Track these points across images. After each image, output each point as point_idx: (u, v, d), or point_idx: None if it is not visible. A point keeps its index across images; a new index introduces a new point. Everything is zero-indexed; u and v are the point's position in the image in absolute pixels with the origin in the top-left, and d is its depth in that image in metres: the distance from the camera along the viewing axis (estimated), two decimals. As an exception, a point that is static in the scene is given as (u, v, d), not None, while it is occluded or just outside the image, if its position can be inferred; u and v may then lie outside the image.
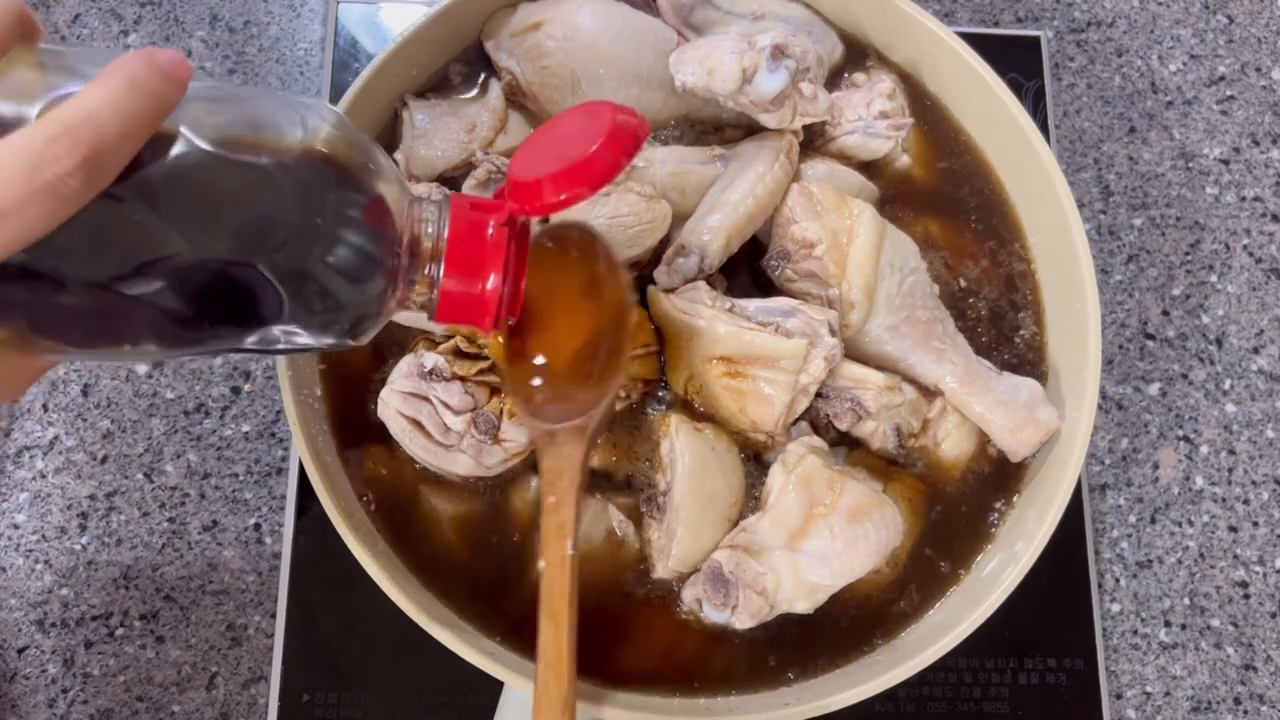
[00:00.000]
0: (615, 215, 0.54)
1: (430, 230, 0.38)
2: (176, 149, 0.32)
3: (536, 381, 0.49)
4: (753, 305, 0.54)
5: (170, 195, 0.32)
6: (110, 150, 0.29)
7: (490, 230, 0.39)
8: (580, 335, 0.49)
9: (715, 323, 0.53)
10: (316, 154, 0.35)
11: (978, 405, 0.57)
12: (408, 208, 0.38)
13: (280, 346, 0.37)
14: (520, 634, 0.54)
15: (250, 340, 0.36)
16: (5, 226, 0.28)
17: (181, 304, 0.33)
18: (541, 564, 0.47)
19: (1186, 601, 0.69)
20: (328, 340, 0.38)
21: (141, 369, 0.68)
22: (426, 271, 0.39)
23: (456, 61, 0.63)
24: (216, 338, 0.36)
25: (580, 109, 0.41)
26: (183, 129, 0.32)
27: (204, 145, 0.32)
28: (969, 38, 0.62)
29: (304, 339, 0.37)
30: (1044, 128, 0.76)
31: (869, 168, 0.62)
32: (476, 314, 0.40)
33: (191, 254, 0.32)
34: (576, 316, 0.49)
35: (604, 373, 0.49)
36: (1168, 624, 0.69)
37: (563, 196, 0.37)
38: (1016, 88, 0.71)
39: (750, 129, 0.60)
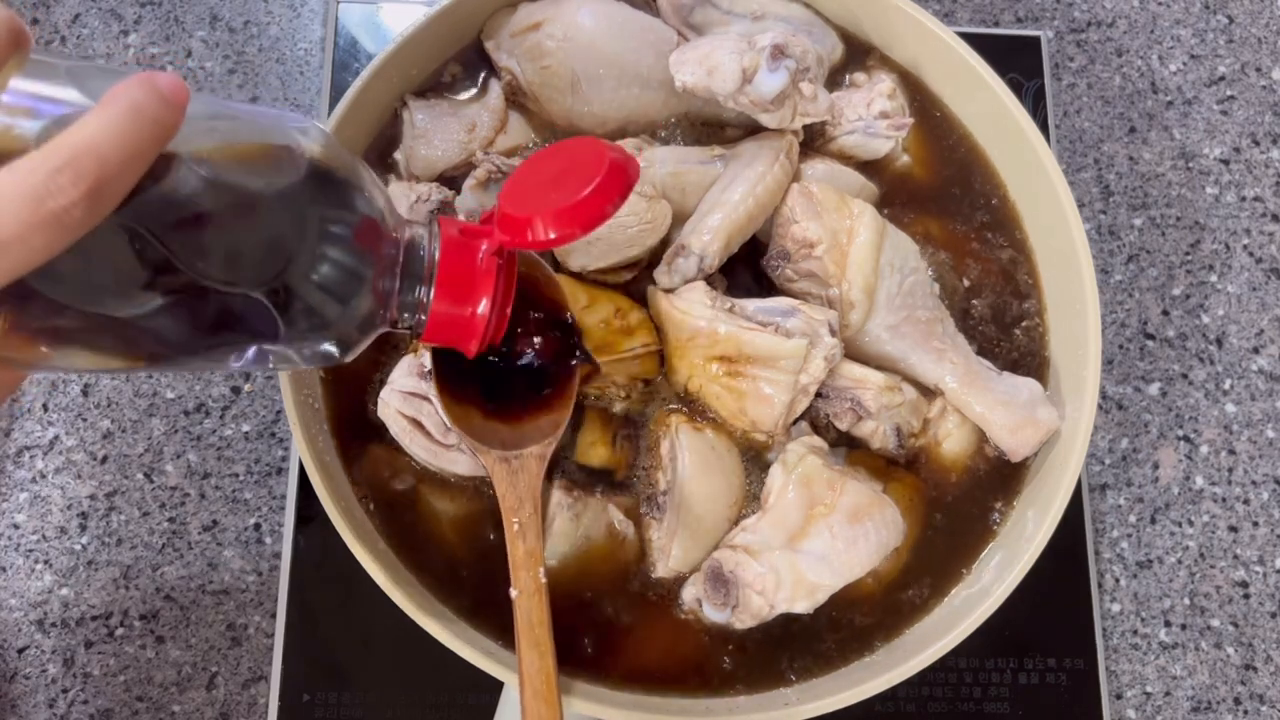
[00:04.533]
0: (615, 215, 0.54)
1: (420, 254, 0.39)
2: (170, 173, 0.32)
3: (489, 408, 0.51)
4: (753, 305, 0.54)
5: (162, 219, 0.32)
6: (113, 179, 0.29)
7: (480, 257, 0.40)
8: (530, 363, 0.51)
9: (715, 323, 0.53)
10: (307, 177, 0.35)
11: (978, 405, 0.57)
12: (396, 230, 0.39)
13: (270, 364, 0.38)
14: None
15: (239, 359, 0.36)
16: (8, 255, 0.28)
17: (172, 324, 0.34)
18: (514, 593, 0.48)
19: (1186, 601, 0.69)
20: (316, 359, 0.38)
21: (141, 369, 0.68)
22: (416, 294, 0.39)
23: (456, 61, 0.63)
24: (205, 357, 0.36)
25: (575, 144, 0.42)
26: (177, 152, 0.32)
27: (197, 169, 0.32)
28: (969, 38, 0.62)
29: (293, 358, 0.38)
30: (1044, 128, 0.76)
31: (869, 168, 0.62)
32: (464, 337, 0.41)
33: (182, 276, 0.33)
34: (526, 345, 0.51)
35: (556, 400, 0.51)
36: (1168, 624, 0.69)
37: (553, 236, 0.38)
38: (1016, 88, 0.71)
39: (750, 129, 0.60)
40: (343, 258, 0.36)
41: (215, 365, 0.37)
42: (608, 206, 0.38)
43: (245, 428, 0.68)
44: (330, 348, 0.38)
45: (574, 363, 0.52)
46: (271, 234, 0.34)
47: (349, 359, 0.40)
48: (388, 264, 0.38)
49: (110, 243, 0.31)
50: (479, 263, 0.40)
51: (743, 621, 0.52)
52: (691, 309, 0.54)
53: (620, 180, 0.38)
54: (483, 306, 0.40)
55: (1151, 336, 0.75)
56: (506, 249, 0.40)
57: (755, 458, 0.57)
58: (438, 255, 0.39)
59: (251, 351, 0.36)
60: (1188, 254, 0.76)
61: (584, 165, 0.39)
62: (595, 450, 0.56)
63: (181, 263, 0.32)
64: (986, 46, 0.62)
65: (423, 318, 0.40)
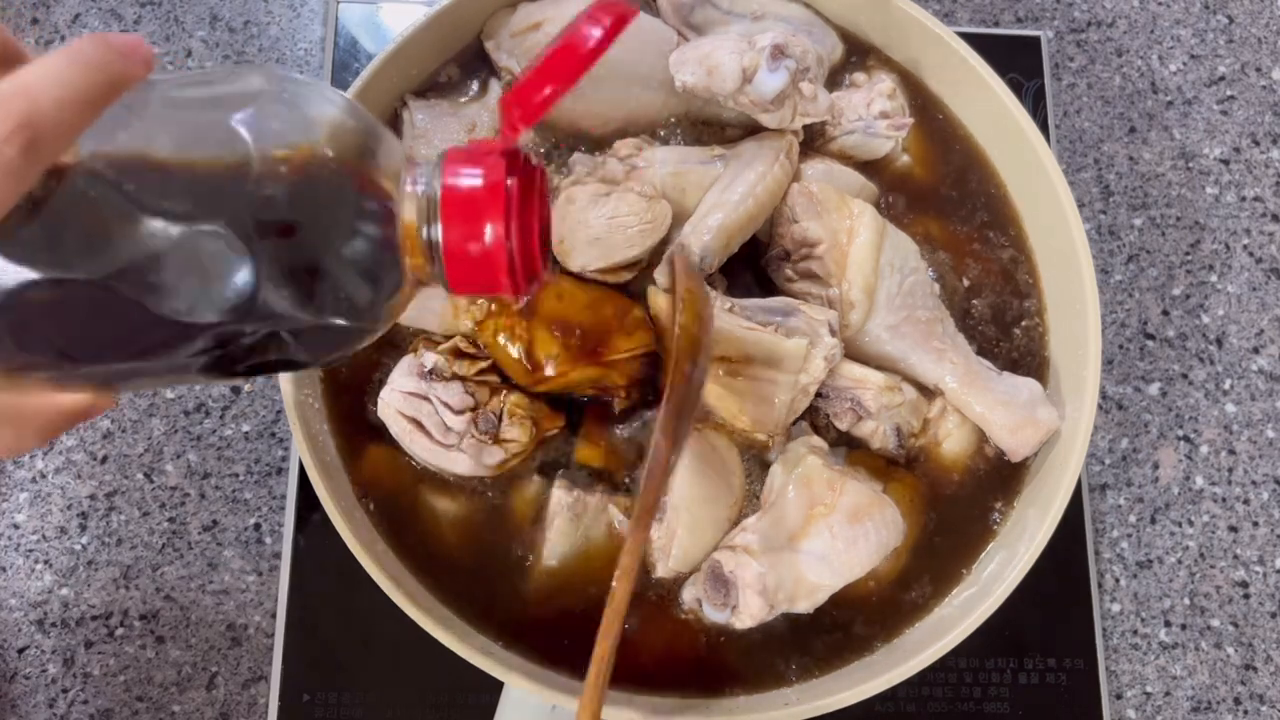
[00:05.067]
0: (615, 215, 0.54)
1: (420, 189, 0.34)
2: (172, 139, 0.31)
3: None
4: (753, 305, 0.54)
5: (170, 188, 0.31)
6: (50, 122, 0.28)
7: (486, 169, 0.34)
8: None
9: (715, 322, 0.53)
10: (323, 141, 0.33)
11: (978, 405, 0.57)
12: (408, 178, 0.35)
13: (316, 350, 0.35)
14: (520, 634, 0.54)
15: (261, 345, 0.34)
16: None
17: (195, 315, 0.32)
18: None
19: (1186, 601, 0.69)
20: (355, 336, 0.35)
21: (141, 369, 0.68)
22: (425, 236, 0.34)
23: (455, 63, 0.63)
24: (236, 345, 0.33)
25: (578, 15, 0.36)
26: (176, 115, 0.31)
27: (203, 135, 0.31)
28: (969, 38, 0.62)
29: (332, 331, 0.34)
30: (1044, 128, 0.76)
31: (869, 168, 0.62)
32: (489, 275, 0.35)
33: (200, 251, 0.31)
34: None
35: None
36: (1168, 624, 0.69)
37: (549, 91, 0.33)
38: (1016, 88, 0.71)
39: (750, 129, 0.60)
40: (363, 225, 0.33)
41: (245, 363, 0.35)
42: (602, 40, 0.33)
43: (245, 428, 0.68)
44: (366, 315, 0.35)
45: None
46: (286, 203, 0.32)
47: (383, 328, 0.36)
48: (391, 216, 0.34)
49: (107, 213, 0.30)
50: (484, 178, 0.34)
51: (743, 621, 0.52)
52: (691, 309, 0.54)
53: (609, 10, 0.33)
54: (490, 232, 0.34)
55: (1151, 336, 0.75)
56: (520, 155, 0.35)
57: (755, 458, 0.57)
58: (439, 186, 0.34)
59: (273, 336, 0.33)
60: (1188, 254, 0.76)
61: (578, 18, 0.34)
62: (595, 450, 0.56)
63: (182, 219, 0.31)
64: (986, 46, 0.62)
65: (440, 263, 0.35)
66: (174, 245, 0.31)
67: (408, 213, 0.34)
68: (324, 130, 0.34)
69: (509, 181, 0.34)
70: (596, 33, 0.33)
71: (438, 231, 0.34)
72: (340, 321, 0.34)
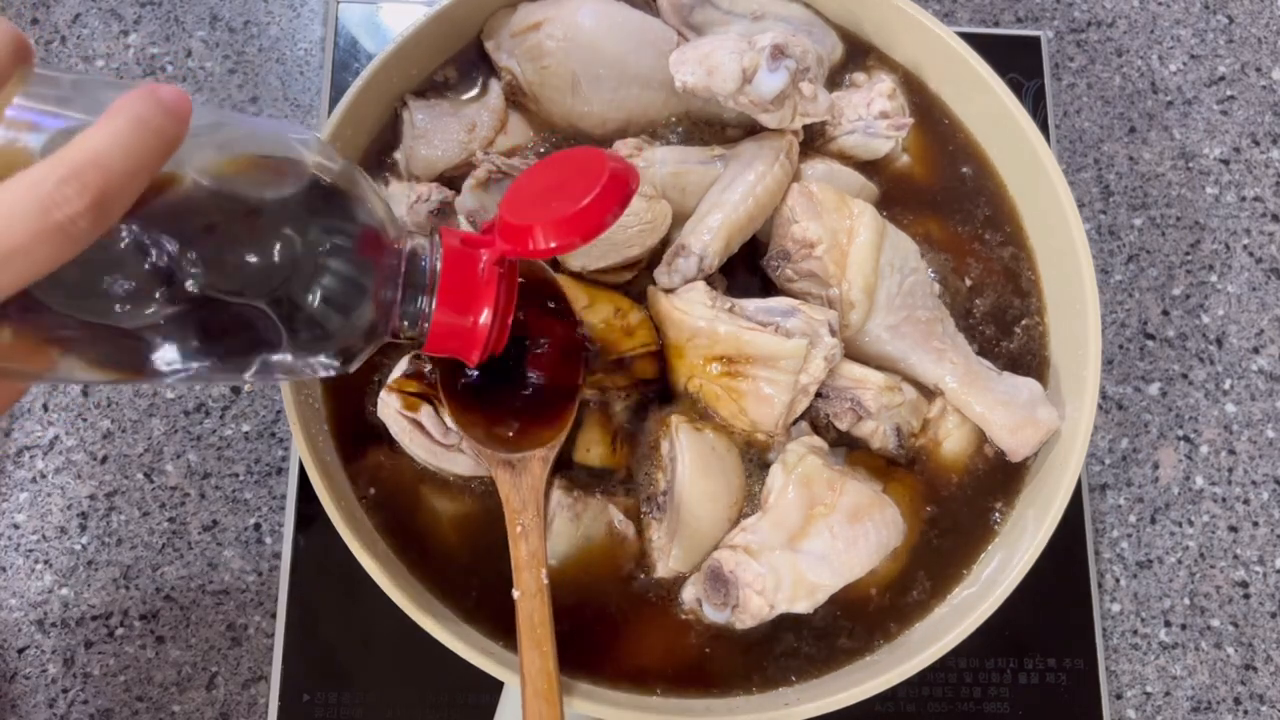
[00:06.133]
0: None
1: (422, 264, 0.39)
2: (173, 184, 0.32)
3: (493, 412, 0.51)
4: (753, 305, 0.54)
5: (166, 230, 0.32)
6: (118, 190, 0.29)
7: (482, 266, 0.40)
8: (534, 368, 0.52)
9: (715, 323, 0.53)
10: (308, 189, 0.35)
11: (978, 405, 0.57)
12: (398, 240, 0.39)
13: (274, 376, 0.38)
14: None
15: (242, 371, 0.36)
16: (12, 266, 0.28)
17: (175, 336, 0.34)
18: (517, 594, 0.48)
19: (1186, 601, 0.69)
20: (319, 368, 0.38)
21: (141, 369, 0.68)
22: (418, 304, 0.40)
23: (454, 64, 0.63)
24: (206, 368, 0.36)
25: (576, 154, 0.42)
26: (180, 163, 0.32)
27: (199, 180, 0.33)
28: (969, 38, 0.62)
29: (297, 368, 0.38)
30: (1044, 128, 0.76)
31: (869, 168, 0.62)
32: (466, 346, 0.41)
33: (186, 287, 0.33)
34: (531, 350, 0.51)
35: (560, 403, 0.52)
36: (1168, 624, 0.69)
37: (554, 245, 0.38)
38: (1016, 88, 0.71)
39: (750, 129, 0.60)
40: (344, 269, 0.36)
41: (215, 378, 0.37)
42: (607, 215, 0.38)
43: (245, 428, 0.68)
44: (333, 357, 0.38)
45: (580, 360, 0.52)
46: (273, 245, 0.34)
47: (352, 369, 0.40)
48: (389, 275, 0.38)
49: (115, 253, 0.31)
50: (480, 273, 0.40)
51: (743, 622, 0.52)
52: (691, 309, 0.54)
53: (620, 190, 0.38)
54: (484, 316, 0.40)
55: (1151, 336, 0.75)
56: (508, 258, 0.40)
57: (755, 458, 0.57)
58: (439, 266, 0.39)
59: (255, 363, 0.36)
60: (1188, 254, 0.76)
61: (584, 174, 0.39)
62: (595, 451, 0.56)
63: (184, 274, 0.32)
64: (986, 46, 0.62)
65: (425, 327, 0.40)
66: (187, 303, 0.33)
67: (404, 283, 0.39)
68: (336, 204, 0.37)
69: (501, 283, 0.40)
70: (609, 211, 0.38)
71: (429, 304, 0.39)
72: (325, 358, 0.38)
